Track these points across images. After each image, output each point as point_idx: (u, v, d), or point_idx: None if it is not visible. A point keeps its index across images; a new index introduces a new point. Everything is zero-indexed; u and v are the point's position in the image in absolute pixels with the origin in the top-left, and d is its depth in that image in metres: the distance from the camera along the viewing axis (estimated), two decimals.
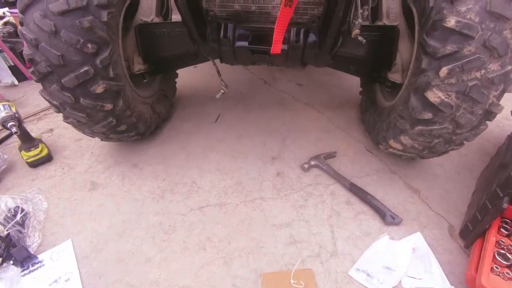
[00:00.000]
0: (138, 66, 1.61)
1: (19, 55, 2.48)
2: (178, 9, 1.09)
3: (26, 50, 1.14)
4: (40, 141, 1.67)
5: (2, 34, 3.03)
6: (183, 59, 1.59)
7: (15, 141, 1.77)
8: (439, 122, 1.16)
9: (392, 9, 1.38)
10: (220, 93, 1.62)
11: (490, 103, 1.08)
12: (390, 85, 1.57)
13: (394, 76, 1.54)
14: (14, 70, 2.42)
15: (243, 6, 1.15)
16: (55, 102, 1.23)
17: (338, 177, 1.51)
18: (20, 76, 2.46)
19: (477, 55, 1.01)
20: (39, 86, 1.22)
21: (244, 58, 1.29)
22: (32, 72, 1.17)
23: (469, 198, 1.44)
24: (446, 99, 1.09)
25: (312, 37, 1.16)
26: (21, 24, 1.13)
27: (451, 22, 1.01)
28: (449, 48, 1.03)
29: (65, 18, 1.08)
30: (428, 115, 1.15)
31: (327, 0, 1.08)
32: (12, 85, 2.43)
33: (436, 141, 1.23)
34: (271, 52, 0.96)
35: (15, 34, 3.17)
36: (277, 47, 0.89)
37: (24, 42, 1.14)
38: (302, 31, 1.14)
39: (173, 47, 1.51)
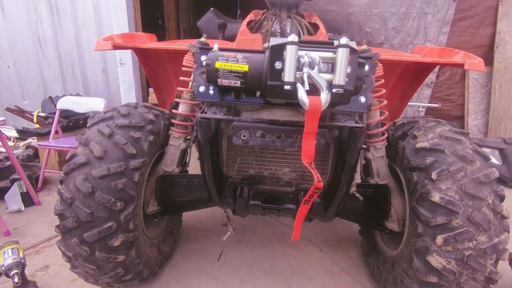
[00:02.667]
0: (152, 207, 1.71)
1: (33, 180, 2.62)
2: (203, 177, 1.27)
3: (58, 206, 1.24)
4: (34, 284, 1.59)
5: (22, 157, 3.26)
6: (196, 203, 1.72)
7: (5, 280, 1.68)
8: (445, 286, 1.19)
9: (381, 170, 1.60)
10: (227, 235, 1.68)
11: (489, 271, 1.15)
12: (389, 232, 1.66)
13: (392, 225, 1.65)
14: (24, 196, 2.51)
15: (257, 172, 1.35)
16: (69, 254, 1.26)
17: None
18: (28, 202, 2.53)
19: (465, 228, 1.14)
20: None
21: (256, 212, 1.42)
22: (57, 226, 1.24)
23: None
24: (447, 265, 1.16)
25: (317, 200, 1.31)
26: (61, 182, 1.27)
27: (436, 197, 1.19)
28: (439, 219, 1.17)
29: (103, 181, 1.23)
30: (433, 279, 1.19)
31: (333, 171, 1.28)
32: (18, 211, 2.47)
33: None
34: (292, 239, 1.08)
35: (33, 157, 3.41)
36: (297, 234, 1.04)
37: (59, 197, 1.26)
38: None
39: (189, 194, 1.66)
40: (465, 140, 1.30)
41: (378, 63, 1.44)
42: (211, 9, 3.04)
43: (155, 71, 2.07)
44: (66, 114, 3.25)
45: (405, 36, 3.58)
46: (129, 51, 4.04)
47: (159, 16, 5.95)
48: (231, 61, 0.96)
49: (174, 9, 5.78)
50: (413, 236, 1.29)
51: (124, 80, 4.12)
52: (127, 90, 4.14)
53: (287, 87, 0.86)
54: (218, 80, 0.99)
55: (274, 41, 0.91)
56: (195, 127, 1.17)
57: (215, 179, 1.27)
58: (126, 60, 4.07)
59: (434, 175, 1.22)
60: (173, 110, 1.60)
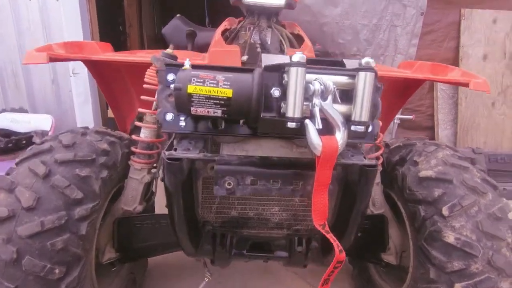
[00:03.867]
0: (109, 255, 1.38)
1: None
2: (172, 226, 1.00)
3: None
4: None
5: None
6: (165, 247, 1.42)
7: None
8: None
9: (376, 199, 1.44)
10: (204, 282, 1.41)
11: None
12: (385, 265, 1.50)
13: (389, 258, 1.49)
14: None
15: (241, 213, 1.11)
16: None
17: None
18: None
19: (486, 275, 0.98)
20: None
21: (239, 260, 1.17)
22: None
23: None
24: None
25: (314, 245, 1.10)
26: None
27: (450, 238, 1.03)
28: (456, 264, 1.01)
29: (34, 241, 0.91)
30: None
31: (336, 215, 1.06)
32: None
33: None
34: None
35: None
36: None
37: None
38: (304, 240, 1.09)
39: (155, 238, 1.36)
40: (472, 168, 1.16)
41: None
42: (178, 15, 2.77)
43: (111, 86, 1.75)
44: (6, 133, 2.75)
45: (376, 48, 3.57)
46: None
47: (120, 21, 5.50)
48: (209, 84, 0.72)
49: (136, 14, 5.37)
50: (424, 280, 1.12)
51: (79, 92, 3.65)
52: (83, 104, 3.67)
53: (291, 124, 0.63)
54: (192, 108, 0.74)
55: (268, 59, 0.69)
56: (161, 166, 0.90)
57: (188, 227, 1.00)
58: (80, 69, 3.61)
59: (445, 211, 1.06)
60: (134, 136, 1.31)
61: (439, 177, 1.13)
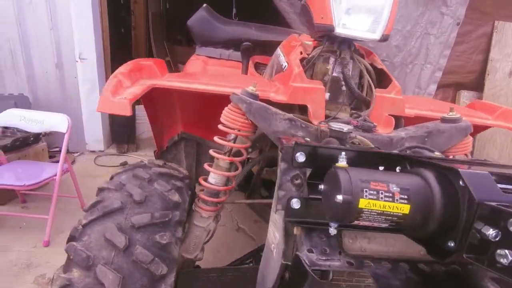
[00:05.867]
0: None
1: None
2: None
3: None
4: None
5: None
6: None
7: None
8: None
9: None
10: None
11: None
12: None
13: None
14: None
15: None
16: None
17: None
18: None
19: None
20: None
21: None
22: None
23: None
24: None
25: None
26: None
27: None
28: None
29: None
30: None
31: None
32: None
33: None
34: None
35: None
36: None
37: None
38: None
39: None
40: None
41: None
42: (204, 5, 2.51)
43: (155, 103, 1.56)
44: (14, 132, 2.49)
45: (406, 55, 3.43)
46: (92, 41, 3.27)
47: None
48: (384, 199, 0.58)
49: None
50: None
51: (86, 79, 3.35)
52: (89, 92, 3.39)
53: None
54: (356, 221, 0.61)
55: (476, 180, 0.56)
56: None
57: None
58: (88, 54, 3.29)
59: None
60: (202, 182, 1.15)
61: None
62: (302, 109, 1.25)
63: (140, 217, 0.91)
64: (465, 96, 3.65)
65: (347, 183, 0.59)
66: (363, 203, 0.58)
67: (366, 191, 0.58)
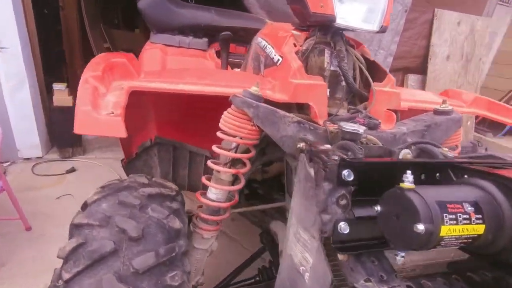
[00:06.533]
0: None
1: None
2: None
3: None
4: None
5: None
6: None
7: None
8: None
9: None
10: None
11: None
12: None
13: None
14: None
15: None
16: None
17: None
18: None
19: None
20: None
21: None
22: None
23: None
24: None
25: None
26: None
27: None
28: None
29: None
30: None
31: None
32: None
33: None
34: None
35: None
36: None
37: None
38: None
39: None
40: None
41: None
42: None
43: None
44: None
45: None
46: (14, 25, 2.69)
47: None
48: (463, 222, 0.53)
49: None
50: None
51: (9, 73, 2.76)
52: (16, 90, 2.81)
53: None
54: (434, 247, 0.55)
55: None
56: None
57: None
58: (10, 41, 2.70)
59: None
60: (202, 199, 1.00)
61: None
62: (300, 108, 1.16)
63: (142, 259, 0.73)
64: (412, 79, 3.94)
65: (425, 209, 0.51)
66: (444, 230, 0.51)
67: (446, 217, 0.52)
